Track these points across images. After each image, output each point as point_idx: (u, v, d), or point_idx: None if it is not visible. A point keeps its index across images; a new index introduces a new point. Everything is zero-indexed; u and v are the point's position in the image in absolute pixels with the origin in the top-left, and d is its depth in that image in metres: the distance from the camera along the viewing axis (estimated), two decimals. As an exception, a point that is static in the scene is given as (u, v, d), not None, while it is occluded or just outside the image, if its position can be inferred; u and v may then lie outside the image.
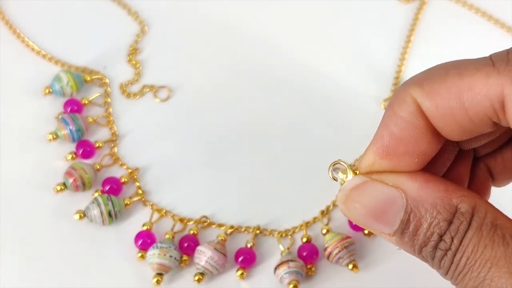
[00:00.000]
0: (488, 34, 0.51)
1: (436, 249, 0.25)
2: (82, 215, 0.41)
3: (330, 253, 0.39)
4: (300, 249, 0.41)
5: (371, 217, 0.27)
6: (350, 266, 0.39)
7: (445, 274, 0.25)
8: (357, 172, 0.28)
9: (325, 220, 0.42)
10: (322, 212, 0.42)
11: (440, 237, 0.25)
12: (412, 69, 0.49)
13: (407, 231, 0.25)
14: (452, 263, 0.25)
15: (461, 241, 0.24)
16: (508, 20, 0.51)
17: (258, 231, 0.42)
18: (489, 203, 0.25)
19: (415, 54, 0.50)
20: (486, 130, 0.26)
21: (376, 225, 0.26)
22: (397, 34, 0.51)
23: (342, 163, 0.28)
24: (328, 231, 0.41)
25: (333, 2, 0.52)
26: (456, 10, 0.52)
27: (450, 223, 0.25)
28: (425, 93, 0.26)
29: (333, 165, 0.28)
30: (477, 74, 0.25)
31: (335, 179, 0.28)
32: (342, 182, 0.28)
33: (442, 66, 0.26)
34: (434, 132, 0.26)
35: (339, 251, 0.39)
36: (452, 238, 0.24)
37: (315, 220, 0.42)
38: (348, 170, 0.28)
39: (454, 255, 0.24)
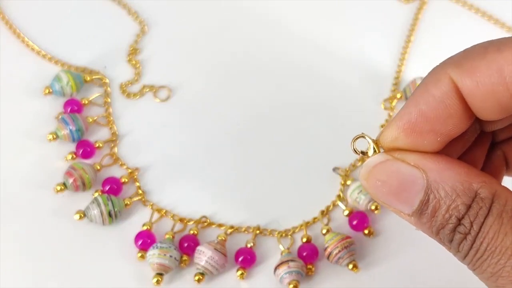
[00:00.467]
0: (488, 34, 0.51)
1: (455, 232, 0.25)
2: (82, 215, 0.41)
3: (330, 253, 0.39)
4: (300, 249, 0.41)
5: (391, 195, 0.27)
6: (350, 266, 0.39)
7: (463, 258, 0.25)
8: (380, 148, 0.28)
9: (325, 220, 0.42)
10: (322, 212, 0.42)
11: (459, 221, 0.25)
12: (412, 69, 0.49)
13: (425, 212, 0.26)
14: (471, 248, 0.25)
15: (480, 227, 0.25)
16: (508, 20, 0.51)
17: (258, 231, 0.42)
18: (510, 191, 0.25)
19: (415, 54, 0.50)
20: None
21: (396, 204, 0.27)
22: (397, 34, 0.51)
23: (367, 138, 0.28)
24: (328, 231, 0.41)
25: (333, 2, 0.52)
26: (456, 10, 0.52)
27: (469, 207, 0.25)
28: (465, 72, 0.26)
29: (356, 139, 0.29)
30: None
31: (356, 153, 0.29)
32: (362, 156, 0.29)
33: (479, 45, 0.26)
34: (464, 114, 0.27)
35: (339, 251, 0.39)
36: (471, 223, 0.25)
37: (315, 220, 0.42)
38: (370, 145, 0.28)
39: (474, 240, 0.25)
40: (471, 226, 0.25)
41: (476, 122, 0.29)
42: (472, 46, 0.26)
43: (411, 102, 0.27)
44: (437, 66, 0.27)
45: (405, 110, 0.27)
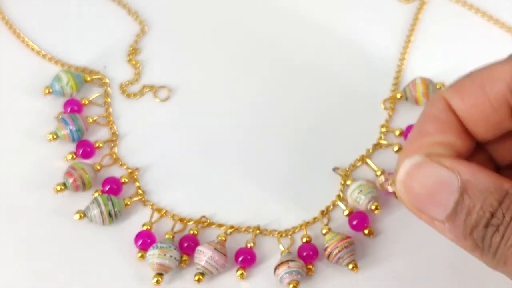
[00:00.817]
0: (488, 34, 0.51)
1: (488, 226, 0.27)
2: (82, 215, 0.41)
3: (330, 253, 0.39)
4: (300, 249, 0.41)
5: (426, 198, 0.28)
6: (350, 266, 0.39)
7: (494, 254, 0.27)
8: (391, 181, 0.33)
9: (325, 220, 0.42)
10: (322, 212, 0.42)
11: (492, 215, 0.26)
12: (412, 69, 0.49)
13: (460, 213, 0.27)
14: (503, 237, 0.26)
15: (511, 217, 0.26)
16: (508, 20, 0.51)
17: (258, 231, 0.42)
18: None
19: (415, 54, 0.50)
20: (509, 123, 0.29)
21: (430, 208, 0.28)
22: (397, 34, 0.51)
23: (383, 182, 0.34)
24: (328, 231, 0.41)
25: (332, 2, 0.52)
26: (456, 10, 0.52)
27: (501, 202, 0.26)
28: (454, 91, 0.30)
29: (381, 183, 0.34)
30: (496, 65, 0.29)
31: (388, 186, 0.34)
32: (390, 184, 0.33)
33: (470, 71, 0.30)
34: (462, 130, 0.30)
35: (339, 251, 0.39)
36: (504, 214, 0.26)
37: (315, 220, 0.42)
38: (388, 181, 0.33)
39: (506, 229, 0.26)
40: (503, 217, 0.26)
41: (480, 138, 0.31)
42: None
43: (416, 123, 0.31)
44: (436, 92, 0.31)
45: (412, 132, 0.31)
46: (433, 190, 0.28)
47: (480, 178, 0.27)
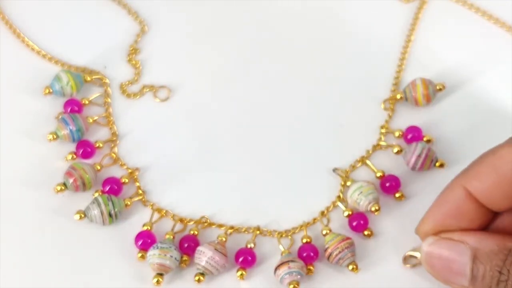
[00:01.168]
0: (488, 33, 0.51)
1: (499, 283, 0.31)
2: (82, 215, 0.41)
3: (330, 254, 0.39)
4: (300, 249, 0.41)
5: (447, 270, 0.33)
6: (351, 267, 0.39)
7: None
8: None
9: (324, 221, 0.42)
10: (322, 213, 0.43)
11: (499, 273, 0.31)
12: (412, 69, 0.49)
13: (478, 277, 0.32)
14: None
15: None
16: (508, 20, 0.51)
17: (258, 232, 0.42)
18: None
19: (415, 54, 0.50)
20: None
21: (454, 278, 0.33)
22: (397, 34, 0.51)
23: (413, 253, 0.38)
24: (328, 232, 0.41)
25: (332, 1, 0.52)
26: (456, 9, 0.52)
27: (505, 260, 0.31)
28: (471, 177, 0.34)
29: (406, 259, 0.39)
30: (504, 147, 0.33)
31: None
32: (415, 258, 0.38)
33: (480, 155, 0.34)
34: (478, 208, 0.34)
35: (340, 252, 0.39)
36: (508, 270, 0.31)
37: (315, 220, 0.42)
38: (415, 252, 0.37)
39: None
40: (508, 272, 0.31)
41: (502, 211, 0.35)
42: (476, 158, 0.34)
43: (433, 206, 0.35)
44: (453, 179, 0.35)
45: (429, 214, 0.36)
46: (449, 262, 0.33)
47: (486, 243, 0.32)
